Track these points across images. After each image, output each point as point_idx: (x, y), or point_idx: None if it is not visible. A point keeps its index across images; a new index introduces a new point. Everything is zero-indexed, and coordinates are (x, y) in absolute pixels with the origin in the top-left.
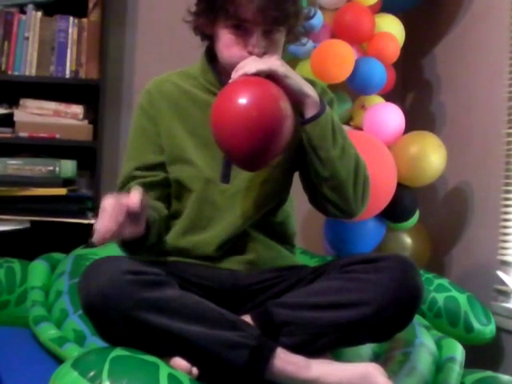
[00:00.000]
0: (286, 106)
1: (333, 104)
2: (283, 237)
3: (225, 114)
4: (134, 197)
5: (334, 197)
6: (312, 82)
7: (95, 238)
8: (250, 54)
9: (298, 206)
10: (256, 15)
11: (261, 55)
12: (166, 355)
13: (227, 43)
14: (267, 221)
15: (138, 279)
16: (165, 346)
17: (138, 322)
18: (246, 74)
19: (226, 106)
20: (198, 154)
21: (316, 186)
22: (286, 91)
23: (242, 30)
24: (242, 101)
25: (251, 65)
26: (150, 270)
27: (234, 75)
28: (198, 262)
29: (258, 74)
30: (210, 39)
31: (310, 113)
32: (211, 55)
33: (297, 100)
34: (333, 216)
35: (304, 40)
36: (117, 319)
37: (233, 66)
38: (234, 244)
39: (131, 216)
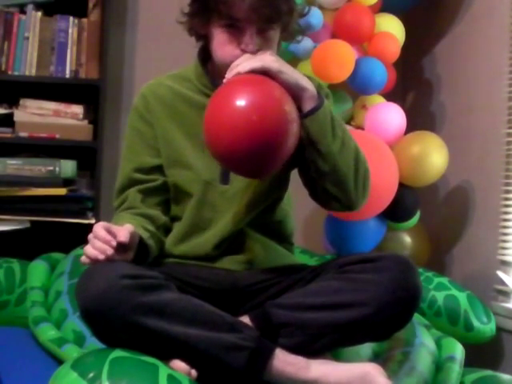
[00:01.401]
0: (290, 108)
1: (329, 100)
2: (281, 236)
3: (220, 119)
4: (125, 232)
5: (335, 190)
6: (308, 78)
7: (84, 260)
8: (244, 52)
9: (298, 204)
10: (249, 14)
11: (255, 53)
12: (165, 358)
13: (221, 42)
14: (265, 220)
15: (136, 283)
16: (163, 348)
17: (137, 325)
18: (239, 74)
19: (221, 110)
20: (196, 157)
21: (316, 180)
22: (283, 86)
23: (235, 28)
24: (240, 103)
25: (244, 63)
26: (147, 274)
27: (228, 75)
28: (196, 262)
29: (252, 73)
30: (204, 39)
31: (307, 107)
32: (205, 56)
33: (293, 94)
34: (334, 209)
35: (299, 38)
36: (115, 323)
37: (227, 66)
38: (232, 243)
39: (120, 246)
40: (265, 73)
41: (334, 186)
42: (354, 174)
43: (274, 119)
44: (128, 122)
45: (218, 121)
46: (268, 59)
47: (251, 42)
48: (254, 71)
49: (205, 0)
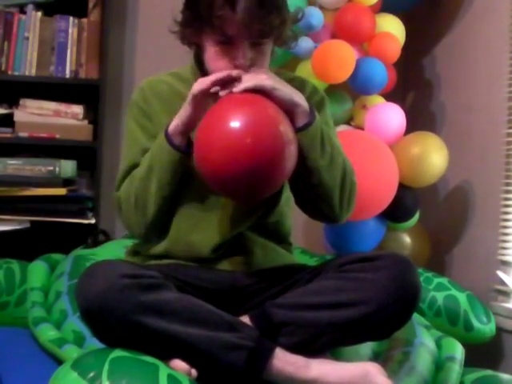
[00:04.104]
0: (286, 129)
1: (324, 103)
2: (279, 236)
3: (212, 141)
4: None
5: (320, 203)
6: (302, 81)
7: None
8: (237, 67)
9: None
10: (241, 29)
11: (248, 68)
12: (165, 357)
13: (213, 56)
14: (262, 221)
15: (136, 283)
16: (163, 348)
17: (137, 325)
18: (232, 93)
19: (213, 132)
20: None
21: (302, 191)
22: (276, 103)
23: (227, 43)
24: (234, 124)
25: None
26: (147, 273)
27: (221, 93)
28: (195, 264)
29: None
30: (197, 47)
31: (299, 122)
32: (200, 59)
33: (286, 110)
34: (318, 220)
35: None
36: (115, 323)
37: None
38: (230, 245)
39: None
40: (258, 91)
41: (319, 199)
42: (339, 190)
43: (269, 142)
44: (128, 116)
45: (209, 143)
46: (260, 77)
47: (244, 58)
48: (247, 90)
49: (197, 9)
